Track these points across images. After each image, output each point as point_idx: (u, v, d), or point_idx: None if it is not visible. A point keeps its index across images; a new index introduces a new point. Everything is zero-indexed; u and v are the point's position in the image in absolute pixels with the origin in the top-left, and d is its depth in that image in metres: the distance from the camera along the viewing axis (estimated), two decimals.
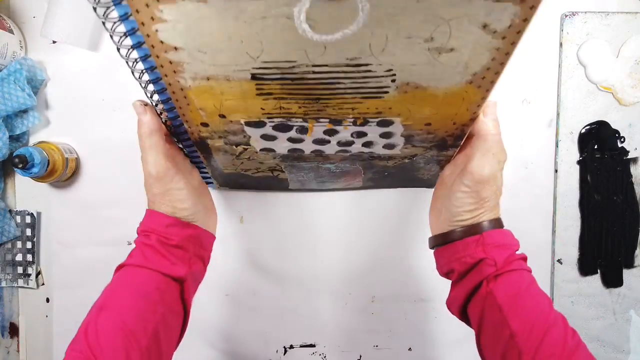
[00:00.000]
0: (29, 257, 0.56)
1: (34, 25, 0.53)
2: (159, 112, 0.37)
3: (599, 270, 0.55)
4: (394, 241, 0.55)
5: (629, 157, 0.54)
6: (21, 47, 0.52)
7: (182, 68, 0.30)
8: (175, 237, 0.38)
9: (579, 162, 0.54)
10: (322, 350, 0.57)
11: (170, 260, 0.37)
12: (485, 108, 0.36)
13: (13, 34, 0.51)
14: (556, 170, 0.54)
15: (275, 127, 0.36)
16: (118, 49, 0.30)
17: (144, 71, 0.32)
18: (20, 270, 0.56)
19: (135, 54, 0.30)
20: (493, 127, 0.36)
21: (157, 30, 0.27)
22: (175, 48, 0.28)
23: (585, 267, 0.55)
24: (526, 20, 0.25)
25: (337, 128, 0.36)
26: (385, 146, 0.39)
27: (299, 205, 0.55)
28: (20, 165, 0.47)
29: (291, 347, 0.57)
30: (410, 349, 0.57)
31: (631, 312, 0.56)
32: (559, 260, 0.55)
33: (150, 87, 0.33)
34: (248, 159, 0.42)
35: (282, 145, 0.39)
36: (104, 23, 0.27)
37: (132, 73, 0.32)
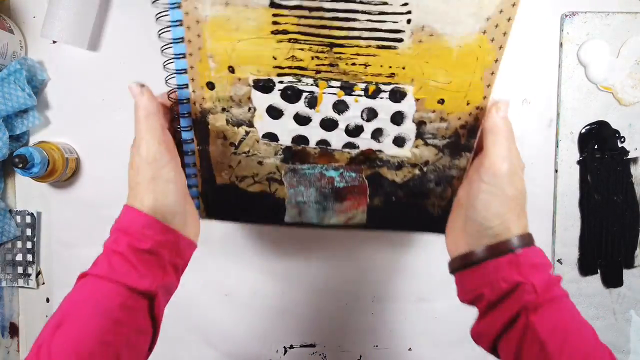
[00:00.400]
0: (29, 257, 0.56)
1: (34, 25, 0.53)
2: (166, 80, 0.36)
3: (599, 270, 0.55)
4: (394, 241, 0.55)
5: (629, 157, 0.54)
6: (21, 47, 0.52)
7: None
8: (149, 240, 0.34)
9: (579, 162, 0.54)
10: (322, 350, 0.57)
11: (139, 271, 0.33)
12: (498, 104, 0.35)
13: (13, 34, 0.51)
14: (556, 170, 0.54)
15: (283, 94, 0.36)
16: None
17: None
18: (20, 270, 0.56)
19: None
20: (504, 124, 0.35)
21: None
22: None
23: (585, 267, 0.55)
24: None
25: (347, 100, 0.36)
26: (395, 141, 0.39)
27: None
28: (20, 165, 0.47)
29: (291, 347, 0.57)
30: (410, 349, 0.57)
31: (631, 312, 0.56)
32: (559, 260, 0.55)
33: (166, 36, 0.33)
34: (247, 155, 0.42)
35: (287, 128, 0.39)
36: None
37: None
